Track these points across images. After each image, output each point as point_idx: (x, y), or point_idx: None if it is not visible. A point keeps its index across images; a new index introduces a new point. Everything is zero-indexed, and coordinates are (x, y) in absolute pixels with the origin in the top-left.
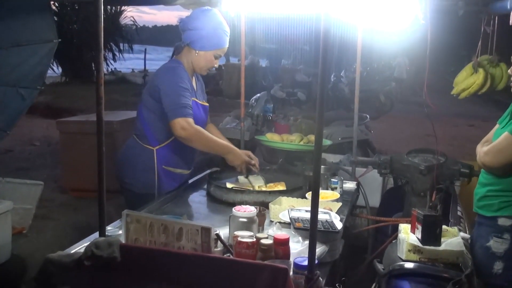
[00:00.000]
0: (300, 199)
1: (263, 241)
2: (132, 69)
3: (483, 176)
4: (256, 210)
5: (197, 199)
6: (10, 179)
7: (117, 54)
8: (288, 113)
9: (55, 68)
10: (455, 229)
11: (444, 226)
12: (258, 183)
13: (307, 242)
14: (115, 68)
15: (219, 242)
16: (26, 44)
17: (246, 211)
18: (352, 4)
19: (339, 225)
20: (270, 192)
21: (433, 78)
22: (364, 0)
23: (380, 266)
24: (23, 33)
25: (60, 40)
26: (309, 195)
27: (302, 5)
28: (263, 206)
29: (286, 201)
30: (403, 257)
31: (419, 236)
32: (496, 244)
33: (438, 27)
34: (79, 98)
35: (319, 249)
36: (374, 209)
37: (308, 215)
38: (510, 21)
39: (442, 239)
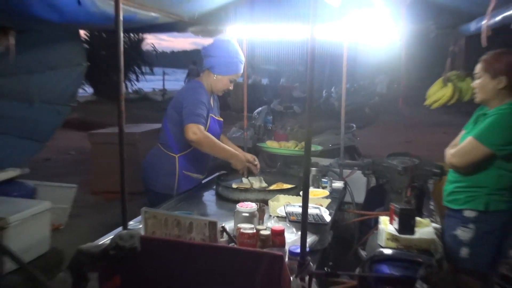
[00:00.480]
0: (295, 197)
1: (262, 232)
2: (153, 89)
3: (451, 174)
4: (256, 206)
5: (208, 198)
6: (48, 182)
7: (140, 76)
8: (286, 124)
9: (86, 88)
10: (427, 221)
11: (418, 218)
12: (260, 184)
13: (300, 233)
14: (138, 88)
15: (225, 233)
16: (60, 68)
17: (248, 207)
18: (339, 24)
19: (327, 218)
20: (269, 190)
21: (412, 92)
22: (349, 21)
23: (363, 253)
24: (57, 59)
25: (89, 64)
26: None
27: (293, 31)
28: (263, 203)
29: (283, 198)
30: (383, 245)
31: (396, 227)
32: (463, 233)
33: (415, 48)
34: (108, 114)
35: (310, 238)
36: (360, 204)
37: (301, 210)
38: (482, 42)
39: (416, 229)
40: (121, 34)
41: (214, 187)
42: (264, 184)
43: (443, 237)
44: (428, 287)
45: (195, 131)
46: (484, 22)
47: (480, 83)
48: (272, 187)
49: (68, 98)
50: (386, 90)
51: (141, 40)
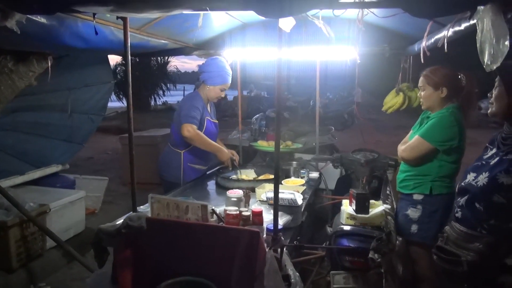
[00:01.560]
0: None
1: (244, 213)
2: (177, 101)
3: (402, 166)
4: (243, 192)
5: (209, 186)
6: (85, 176)
7: (165, 91)
8: (272, 127)
9: (124, 101)
10: (379, 203)
11: (373, 201)
12: (251, 174)
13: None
14: (164, 101)
15: (214, 214)
16: (92, 85)
17: (236, 193)
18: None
19: (300, 202)
20: (257, 180)
21: (378, 101)
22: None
23: (329, 229)
24: (90, 77)
25: (116, 81)
26: (284, 182)
27: (276, 52)
28: (252, 191)
29: (268, 186)
30: (343, 223)
31: (354, 208)
32: (412, 213)
33: (375, 64)
34: (139, 122)
35: (285, 218)
36: (332, 191)
37: (281, 195)
38: (421, 59)
39: (370, 210)
40: (129, 57)
41: (215, 178)
42: (254, 175)
43: (397, 216)
44: (379, 256)
45: (189, 129)
46: (422, 44)
47: (425, 94)
48: (261, 177)
49: (100, 109)
50: (361, 99)
51: (167, 63)
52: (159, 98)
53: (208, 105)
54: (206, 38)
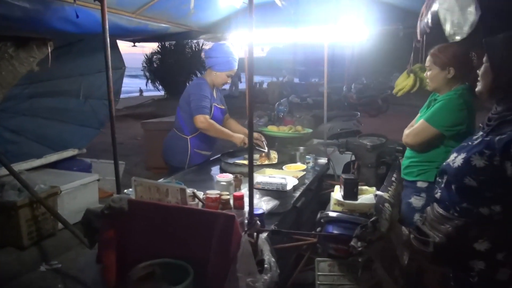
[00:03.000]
0: (278, 170)
1: (223, 197)
2: None
3: (407, 151)
4: (233, 176)
5: (213, 171)
6: (102, 160)
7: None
8: (295, 112)
9: (160, 88)
10: (373, 189)
11: (365, 187)
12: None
13: (263, 198)
14: None
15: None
16: (104, 71)
17: (225, 177)
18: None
19: (289, 187)
20: (258, 165)
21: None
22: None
23: (319, 215)
24: (101, 64)
25: (126, 67)
26: (285, 167)
27: (282, 35)
28: (241, 174)
29: (268, 171)
30: (331, 209)
31: (342, 194)
32: (416, 201)
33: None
34: (173, 107)
35: (274, 203)
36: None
37: (269, 180)
38: (418, 35)
39: (362, 196)
40: (107, 40)
41: (219, 163)
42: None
43: (401, 204)
44: (362, 243)
45: (202, 120)
46: (419, 21)
47: (431, 74)
48: (266, 162)
49: (114, 94)
50: None
51: (201, 50)
52: None
53: (215, 90)
54: (212, 21)
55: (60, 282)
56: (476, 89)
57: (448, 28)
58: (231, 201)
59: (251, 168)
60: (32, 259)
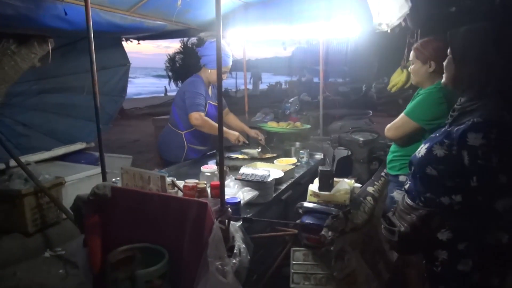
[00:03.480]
0: (270, 164)
1: (199, 185)
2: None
3: (392, 146)
4: (217, 167)
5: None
6: (110, 154)
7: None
8: (306, 111)
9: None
10: (351, 182)
11: (344, 179)
12: (255, 154)
13: (244, 188)
14: (226, 88)
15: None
16: (109, 68)
17: (210, 168)
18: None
19: (269, 179)
20: (251, 158)
21: None
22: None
23: (296, 206)
24: (106, 61)
25: (131, 64)
26: (277, 161)
27: (281, 31)
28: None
29: (260, 164)
30: (307, 200)
31: (318, 185)
32: (398, 195)
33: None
34: None
35: (254, 193)
36: None
37: (252, 171)
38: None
39: (338, 188)
40: (92, 36)
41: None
42: (256, 155)
43: (386, 198)
44: (333, 233)
45: (197, 117)
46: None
47: (414, 68)
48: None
49: (120, 90)
50: None
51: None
52: None
53: (210, 88)
54: (210, 19)
55: (61, 268)
56: (442, 81)
57: (376, 18)
58: (209, 190)
59: (222, 159)
60: (36, 245)
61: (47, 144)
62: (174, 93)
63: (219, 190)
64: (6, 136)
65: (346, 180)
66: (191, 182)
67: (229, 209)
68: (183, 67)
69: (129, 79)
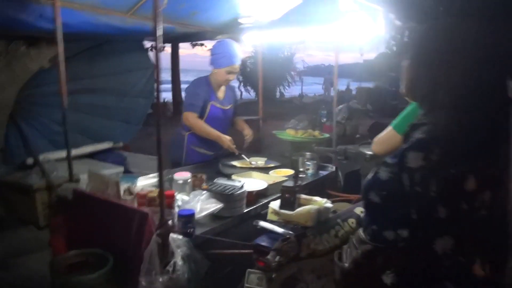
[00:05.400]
0: (265, 174)
1: (149, 194)
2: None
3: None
4: (190, 175)
5: (214, 169)
6: (137, 154)
7: (290, 83)
8: (349, 118)
9: (251, 92)
10: (321, 201)
11: (315, 198)
12: (260, 162)
13: (209, 199)
14: (282, 93)
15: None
16: (134, 71)
17: (183, 175)
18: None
19: (239, 192)
20: (248, 167)
21: None
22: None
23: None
24: (130, 64)
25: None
26: (272, 172)
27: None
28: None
29: (255, 174)
30: (267, 218)
31: (279, 203)
32: None
33: None
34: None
35: (218, 206)
36: None
37: (224, 182)
38: None
39: (304, 207)
40: (61, 36)
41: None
42: (261, 163)
43: None
44: (281, 258)
45: (187, 118)
46: None
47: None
48: (257, 165)
49: (149, 92)
50: None
51: (292, 55)
52: (284, 90)
53: (220, 89)
54: (224, 21)
55: None
56: (400, 89)
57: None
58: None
59: (160, 169)
60: (46, 238)
61: (79, 142)
62: (246, 97)
63: (159, 200)
64: (43, 133)
65: (317, 198)
66: (145, 190)
67: (176, 221)
68: (254, 71)
69: None
